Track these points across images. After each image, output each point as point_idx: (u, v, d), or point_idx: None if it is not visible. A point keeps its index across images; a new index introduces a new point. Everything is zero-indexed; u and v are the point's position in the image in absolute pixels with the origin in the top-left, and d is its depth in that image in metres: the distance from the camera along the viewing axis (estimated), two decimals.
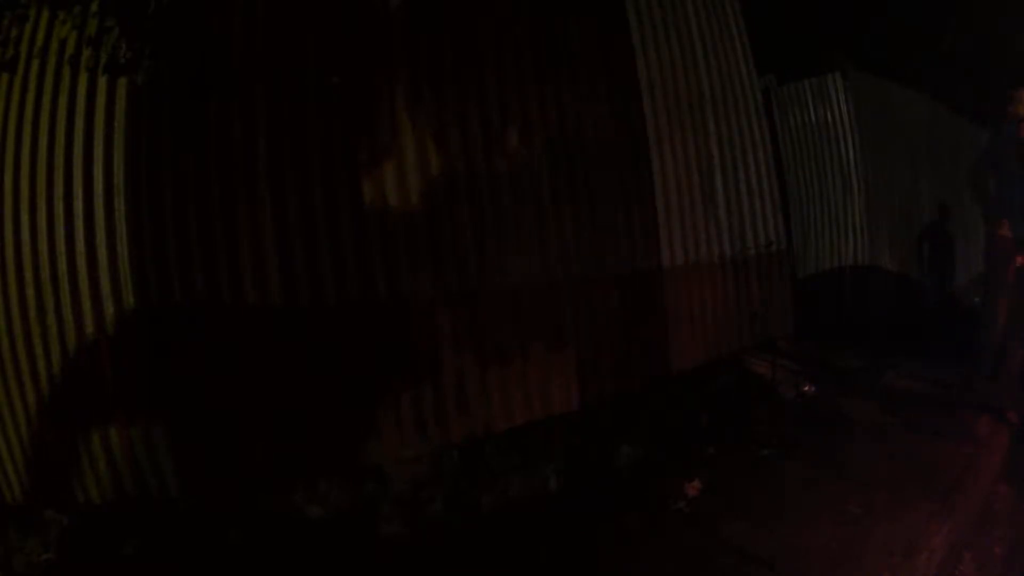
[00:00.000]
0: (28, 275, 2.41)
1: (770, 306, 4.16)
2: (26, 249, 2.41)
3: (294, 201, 2.52)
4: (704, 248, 3.83)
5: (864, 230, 5.50)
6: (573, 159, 3.23)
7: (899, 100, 6.21)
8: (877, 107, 5.71)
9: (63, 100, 2.39)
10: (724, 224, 3.95)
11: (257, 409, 2.40)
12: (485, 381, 2.90)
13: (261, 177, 2.47)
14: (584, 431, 3.12)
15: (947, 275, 6.71)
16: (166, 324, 2.34)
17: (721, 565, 2.25)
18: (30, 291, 2.40)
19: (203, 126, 2.39)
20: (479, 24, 2.97)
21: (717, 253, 3.90)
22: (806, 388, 4.05)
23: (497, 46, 3.02)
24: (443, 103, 2.84)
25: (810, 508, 2.59)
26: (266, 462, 2.43)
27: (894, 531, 2.38)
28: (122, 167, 2.35)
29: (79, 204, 2.37)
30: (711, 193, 3.90)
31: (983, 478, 2.91)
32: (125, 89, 2.35)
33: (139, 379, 2.34)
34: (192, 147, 2.38)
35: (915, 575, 2.21)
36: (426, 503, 2.59)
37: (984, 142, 3.89)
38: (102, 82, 2.36)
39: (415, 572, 2.30)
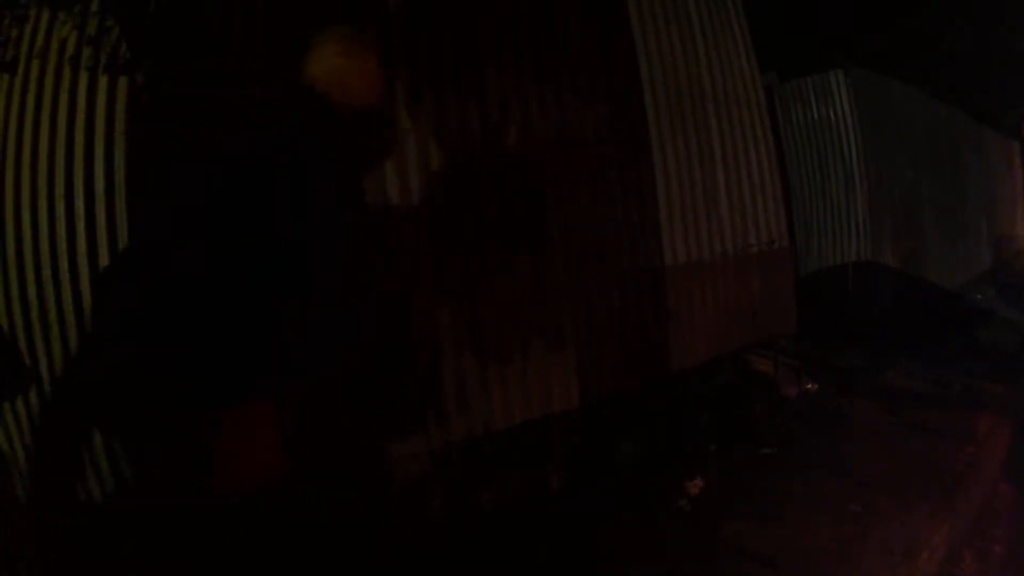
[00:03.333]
0: (30, 274, 2.41)
1: (772, 304, 4.16)
2: (27, 248, 2.41)
3: (293, 199, 2.51)
4: (706, 246, 3.82)
5: (866, 228, 5.48)
6: (574, 157, 3.22)
7: (901, 98, 6.19)
8: (879, 105, 5.70)
9: (63, 100, 2.39)
10: (726, 222, 3.94)
11: (257, 408, 2.40)
12: (485, 380, 2.89)
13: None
14: (584, 429, 3.12)
15: (948, 273, 6.70)
16: (166, 323, 2.34)
17: (722, 564, 2.26)
18: (31, 290, 2.40)
19: (203, 125, 2.39)
20: (479, 23, 2.96)
21: (719, 251, 3.89)
22: (808, 387, 4.06)
23: (497, 45, 3.01)
24: (443, 102, 2.83)
25: (811, 507, 2.59)
26: (266, 461, 2.43)
27: (895, 530, 2.38)
28: (123, 166, 2.35)
29: (80, 203, 2.37)
30: (713, 191, 3.89)
31: (984, 477, 2.91)
32: (126, 88, 2.35)
33: (140, 378, 2.34)
34: (193, 146, 2.38)
35: (915, 574, 2.21)
36: (426, 502, 2.59)
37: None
38: (102, 81, 2.35)
39: (415, 571, 2.30)
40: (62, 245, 2.38)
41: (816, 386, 4.03)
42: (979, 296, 6.92)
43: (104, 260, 2.36)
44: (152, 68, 2.28)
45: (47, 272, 2.39)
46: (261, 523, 2.13)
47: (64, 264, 2.38)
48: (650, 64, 3.63)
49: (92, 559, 2.17)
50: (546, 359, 3.07)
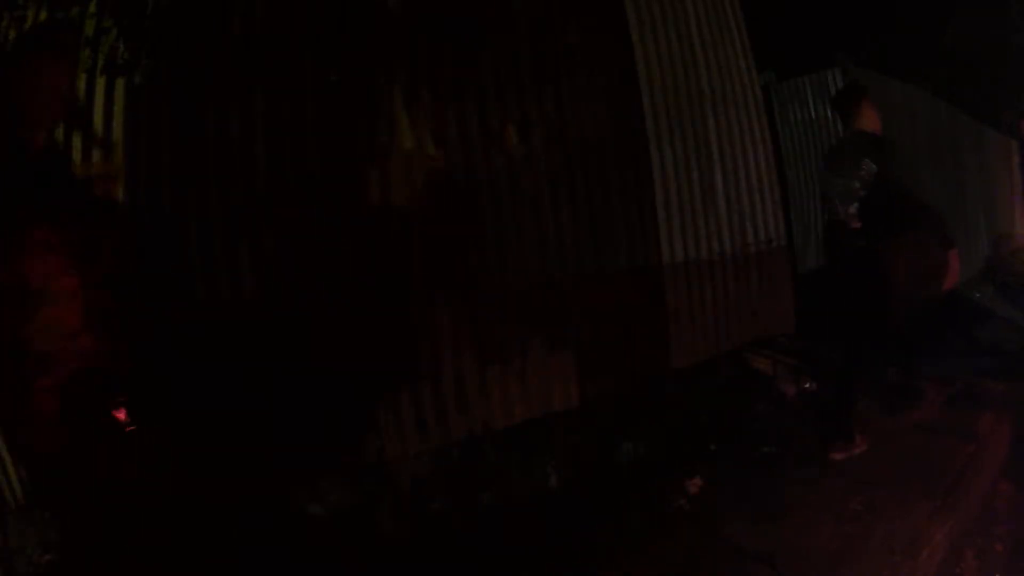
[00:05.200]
0: None
1: (771, 303, 4.15)
2: None
3: (293, 200, 2.52)
4: (704, 245, 3.82)
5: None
6: (572, 157, 3.22)
7: (899, 97, 6.18)
8: (877, 103, 5.69)
9: None
10: (724, 221, 3.94)
11: (257, 409, 2.39)
12: (485, 379, 2.90)
13: (260, 176, 2.47)
14: (584, 429, 3.12)
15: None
16: (165, 324, 2.34)
17: (721, 563, 2.25)
18: None
19: (201, 126, 2.39)
20: (478, 21, 2.96)
21: (717, 250, 3.89)
22: (807, 385, 4.05)
23: (496, 43, 3.01)
24: (442, 101, 2.83)
25: (811, 506, 2.58)
26: (267, 461, 2.43)
27: (895, 529, 2.38)
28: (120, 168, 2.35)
29: None
30: (711, 190, 3.89)
31: (984, 475, 2.90)
32: (123, 89, 2.35)
33: (139, 379, 2.34)
34: (190, 147, 2.38)
35: (916, 573, 2.21)
36: (426, 501, 2.59)
37: None
38: (100, 83, 2.36)
39: (416, 571, 2.30)
40: None
41: (815, 384, 4.03)
42: (978, 294, 6.91)
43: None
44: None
45: None
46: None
47: None
48: (648, 63, 3.63)
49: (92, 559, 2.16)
50: (546, 358, 3.07)
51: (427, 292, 2.76)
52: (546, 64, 3.17)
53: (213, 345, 2.38)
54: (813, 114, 5.63)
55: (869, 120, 3.05)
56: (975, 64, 8.75)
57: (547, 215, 3.12)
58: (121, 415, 1.90)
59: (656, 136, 3.62)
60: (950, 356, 4.23)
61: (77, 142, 2.37)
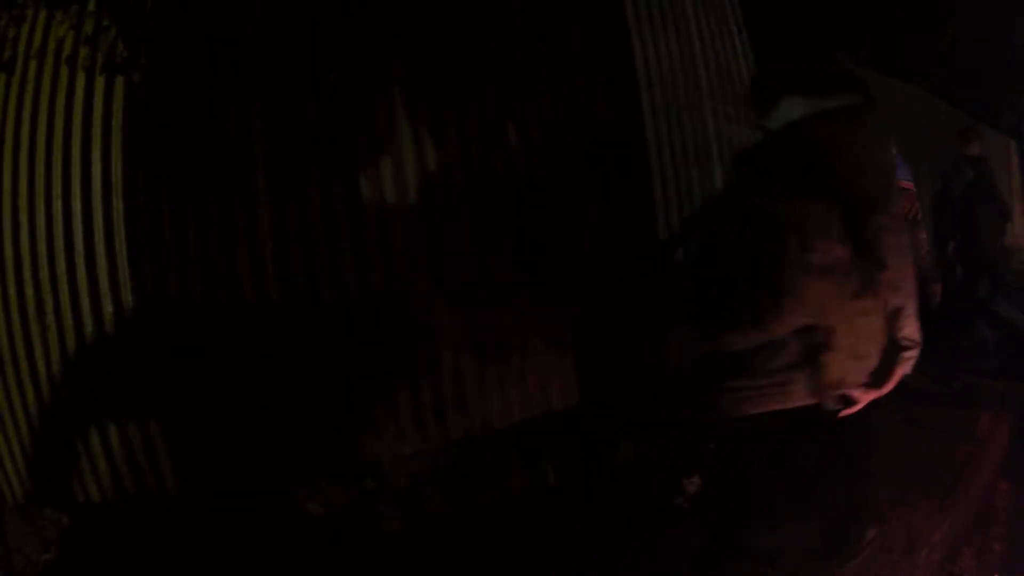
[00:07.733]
0: (27, 275, 2.41)
1: None
2: (25, 249, 2.42)
3: (291, 199, 2.52)
4: None
5: None
6: (572, 156, 3.22)
7: (899, 97, 6.19)
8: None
9: (60, 100, 2.39)
10: None
11: (255, 408, 2.40)
12: (483, 379, 2.89)
13: (258, 175, 2.47)
14: (583, 427, 3.11)
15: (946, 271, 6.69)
16: (164, 323, 2.34)
17: (722, 563, 2.25)
18: (29, 291, 2.40)
19: (200, 124, 2.39)
20: (476, 19, 2.96)
21: None
22: None
23: (495, 41, 3.01)
24: (440, 99, 2.83)
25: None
26: (265, 460, 2.43)
27: (894, 527, 2.38)
28: (120, 166, 2.35)
29: (77, 204, 2.37)
30: (711, 190, 3.89)
31: (983, 475, 2.90)
32: (122, 88, 2.35)
33: (137, 378, 2.34)
34: (189, 145, 2.38)
35: (915, 572, 2.21)
36: (425, 500, 2.59)
37: None
38: (99, 81, 2.36)
39: (415, 570, 2.30)
40: (59, 245, 2.38)
41: None
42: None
43: (101, 260, 2.36)
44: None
45: (44, 273, 2.39)
46: None
47: (61, 265, 2.38)
48: (647, 62, 3.63)
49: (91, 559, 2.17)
50: (545, 357, 3.07)
51: (427, 291, 2.75)
52: (546, 64, 3.17)
53: (210, 344, 2.38)
54: None
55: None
56: (975, 64, 8.75)
57: (547, 214, 3.11)
58: None
59: (655, 135, 3.61)
60: (950, 355, 4.22)
61: (76, 142, 2.37)
